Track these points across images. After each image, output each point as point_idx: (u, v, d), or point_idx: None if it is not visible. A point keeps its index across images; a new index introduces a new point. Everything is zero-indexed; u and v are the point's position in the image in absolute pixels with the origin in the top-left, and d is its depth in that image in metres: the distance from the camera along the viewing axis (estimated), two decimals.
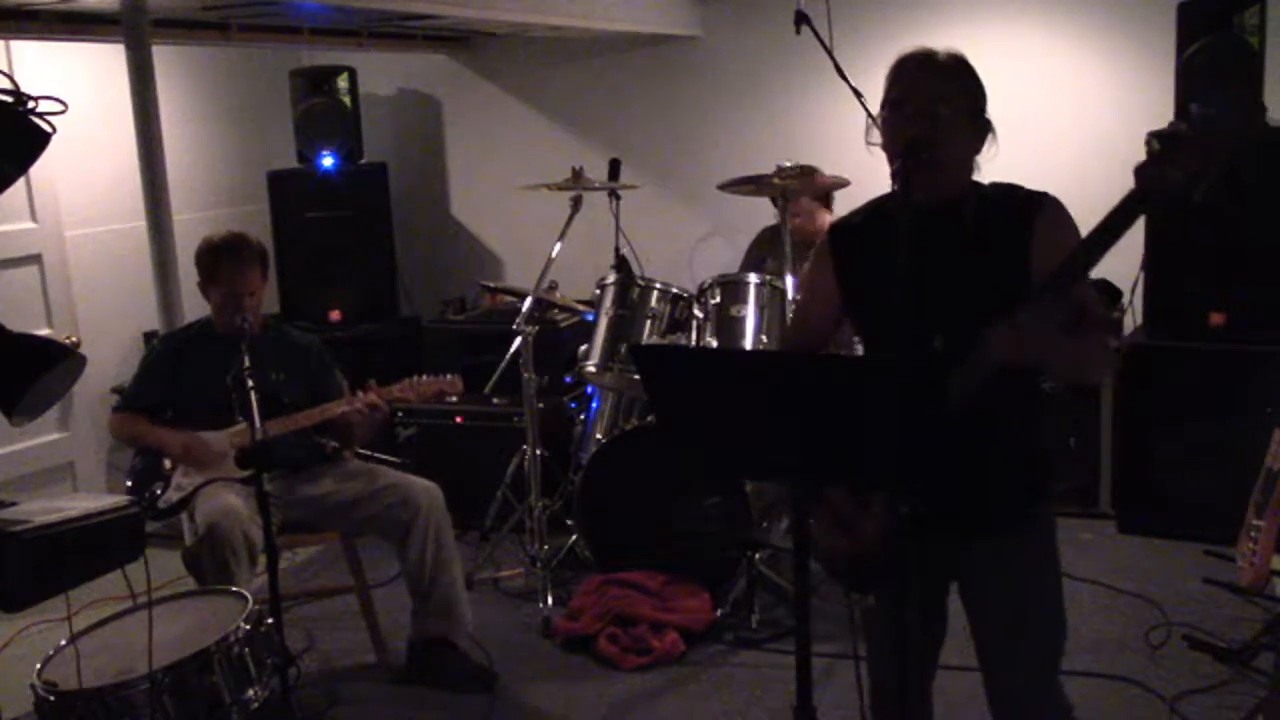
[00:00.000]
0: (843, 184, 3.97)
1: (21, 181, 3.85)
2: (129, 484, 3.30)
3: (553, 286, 4.65)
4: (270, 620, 2.48)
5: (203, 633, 2.36)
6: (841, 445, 1.67)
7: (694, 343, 3.81)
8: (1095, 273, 1.79)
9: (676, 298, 3.94)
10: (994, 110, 1.94)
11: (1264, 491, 3.26)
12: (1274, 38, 3.92)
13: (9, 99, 1.65)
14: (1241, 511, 3.36)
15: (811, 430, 1.66)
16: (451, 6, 3.97)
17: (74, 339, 4.37)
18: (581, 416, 4.42)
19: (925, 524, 1.71)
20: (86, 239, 4.64)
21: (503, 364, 4.57)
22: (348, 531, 3.39)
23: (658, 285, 3.95)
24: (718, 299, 3.80)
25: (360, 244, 5.23)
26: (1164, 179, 1.62)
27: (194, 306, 3.56)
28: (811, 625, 1.83)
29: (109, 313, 4.68)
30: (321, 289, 5.19)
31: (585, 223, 3.97)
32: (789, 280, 3.81)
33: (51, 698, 2.18)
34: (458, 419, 4.54)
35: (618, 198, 4.58)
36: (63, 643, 2.34)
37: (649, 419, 3.86)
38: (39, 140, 1.69)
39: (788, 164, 3.87)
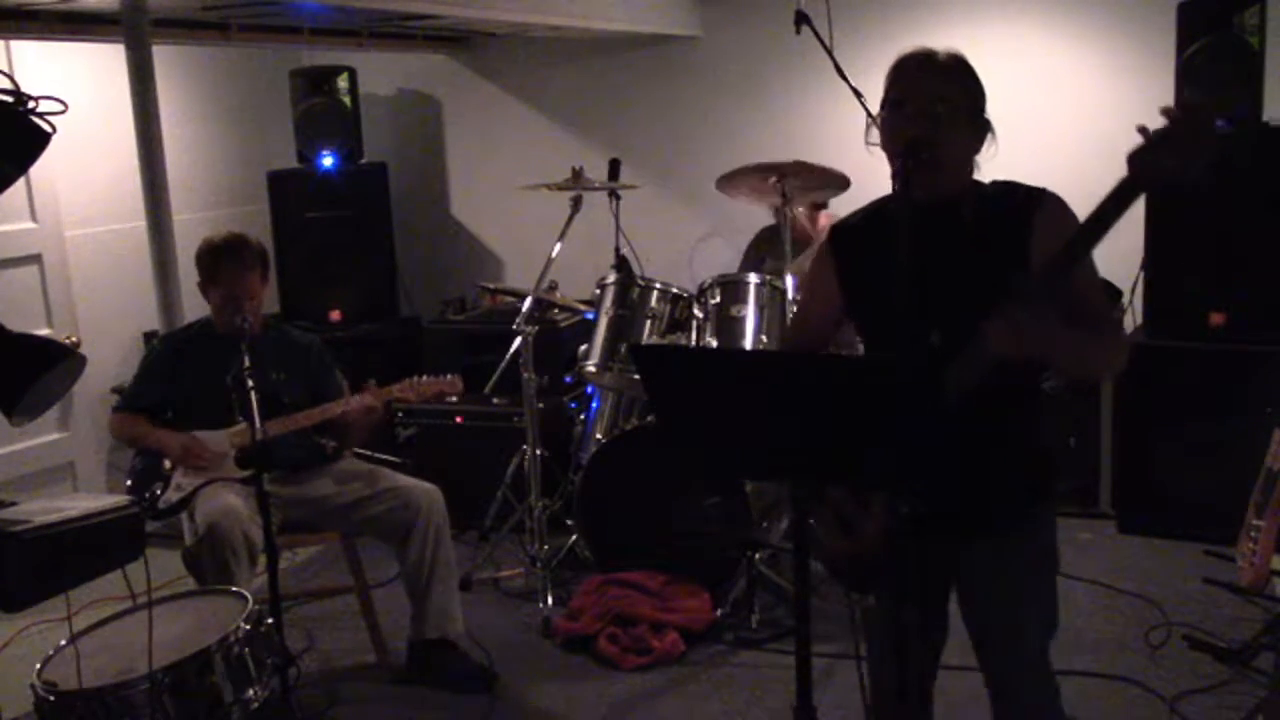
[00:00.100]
0: (840, 180, 3.97)
1: (21, 181, 3.85)
2: (129, 484, 3.31)
3: (553, 286, 4.65)
4: (270, 620, 2.48)
5: (203, 633, 2.36)
6: (841, 445, 1.67)
7: (694, 343, 3.81)
8: None
9: (676, 298, 3.94)
10: (993, 110, 1.94)
11: (1264, 491, 3.26)
12: (1274, 38, 3.92)
13: (9, 99, 1.65)
14: (1241, 511, 3.36)
15: (811, 430, 1.66)
16: (451, 6, 3.97)
17: (74, 339, 4.37)
18: (581, 416, 4.42)
19: (925, 524, 1.71)
20: (86, 239, 4.64)
21: (503, 364, 4.57)
22: (348, 532, 3.39)
23: (658, 285, 3.95)
24: (718, 299, 3.80)
25: (360, 244, 5.23)
26: (1156, 164, 1.62)
27: (194, 306, 3.56)
28: (811, 625, 1.83)
29: (109, 313, 4.68)
30: (321, 289, 5.19)
31: (585, 223, 3.97)
32: (789, 280, 3.81)
33: (51, 698, 2.18)
34: (458, 419, 4.53)
35: (618, 198, 4.58)
36: (63, 643, 2.34)
37: (649, 419, 3.86)
38: (39, 140, 1.69)
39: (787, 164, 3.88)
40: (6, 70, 1.72)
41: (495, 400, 4.57)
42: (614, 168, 4.48)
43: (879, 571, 1.92)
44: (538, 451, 3.82)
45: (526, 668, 3.42)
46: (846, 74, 3.57)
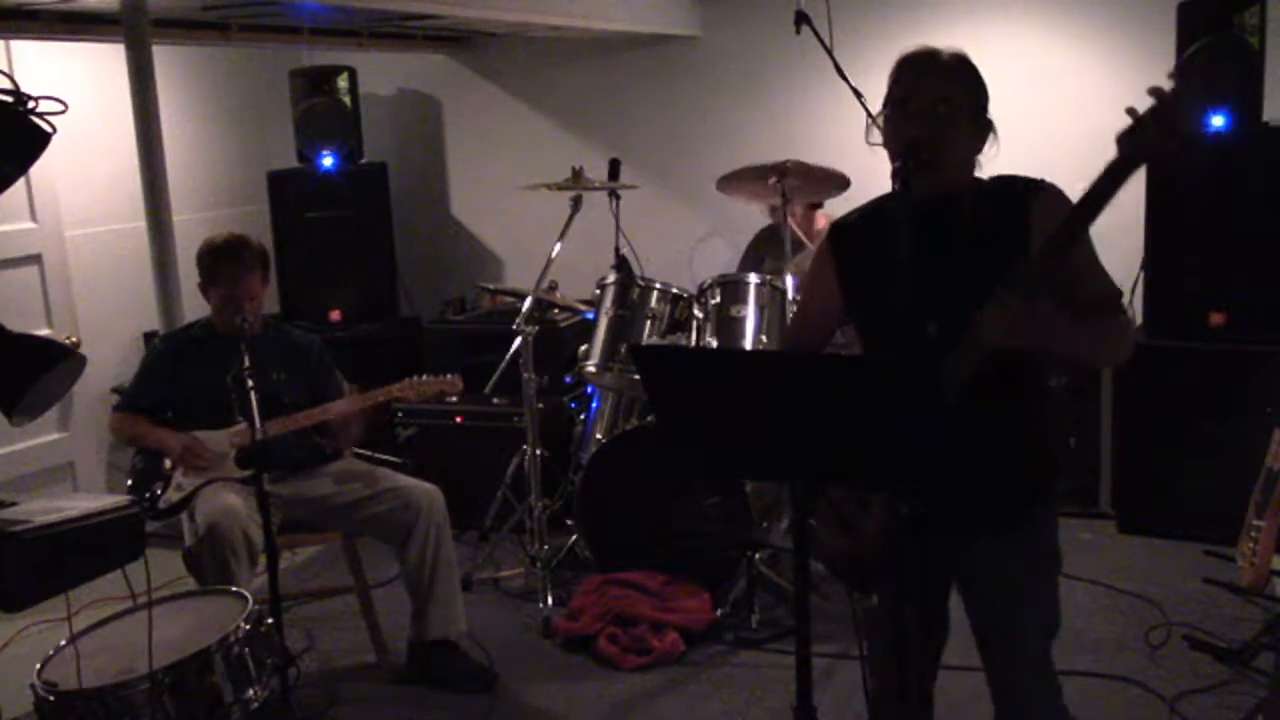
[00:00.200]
0: (840, 180, 3.97)
1: (21, 181, 3.84)
2: (129, 484, 3.31)
3: (553, 286, 4.65)
4: (270, 620, 2.48)
5: (203, 633, 2.36)
6: (841, 445, 1.67)
7: (694, 343, 3.81)
8: None
9: (676, 298, 3.94)
10: (994, 110, 1.94)
11: (1264, 491, 3.26)
12: (1274, 38, 3.92)
13: (9, 99, 1.65)
14: (1241, 511, 3.36)
15: (811, 430, 1.66)
16: (451, 6, 3.97)
17: (74, 339, 4.37)
18: (581, 416, 4.42)
19: (926, 523, 1.71)
20: (86, 239, 4.64)
21: (503, 364, 4.57)
22: (348, 532, 3.39)
23: (658, 285, 3.95)
24: (718, 299, 3.80)
25: (360, 244, 5.23)
26: (1144, 143, 1.65)
27: (194, 306, 3.55)
28: (811, 625, 1.84)
29: (109, 313, 4.68)
30: (321, 289, 5.19)
31: (585, 223, 3.97)
32: (789, 280, 3.81)
33: (51, 698, 2.18)
34: (458, 419, 4.53)
35: (618, 198, 4.58)
36: (63, 643, 2.34)
37: (649, 419, 3.86)
38: (39, 140, 1.69)
39: (786, 163, 3.88)
40: (6, 70, 1.72)
41: (495, 400, 4.57)
42: (614, 168, 4.47)
43: (879, 571, 1.92)
44: (538, 451, 3.82)
45: (526, 668, 3.42)
46: (846, 74, 3.57)
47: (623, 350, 3.82)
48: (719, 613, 3.58)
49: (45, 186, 4.41)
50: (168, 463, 3.26)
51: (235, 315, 3.16)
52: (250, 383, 2.75)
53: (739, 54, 5.15)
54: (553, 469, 4.24)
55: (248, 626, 2.38)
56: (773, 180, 3.94)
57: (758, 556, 3.63)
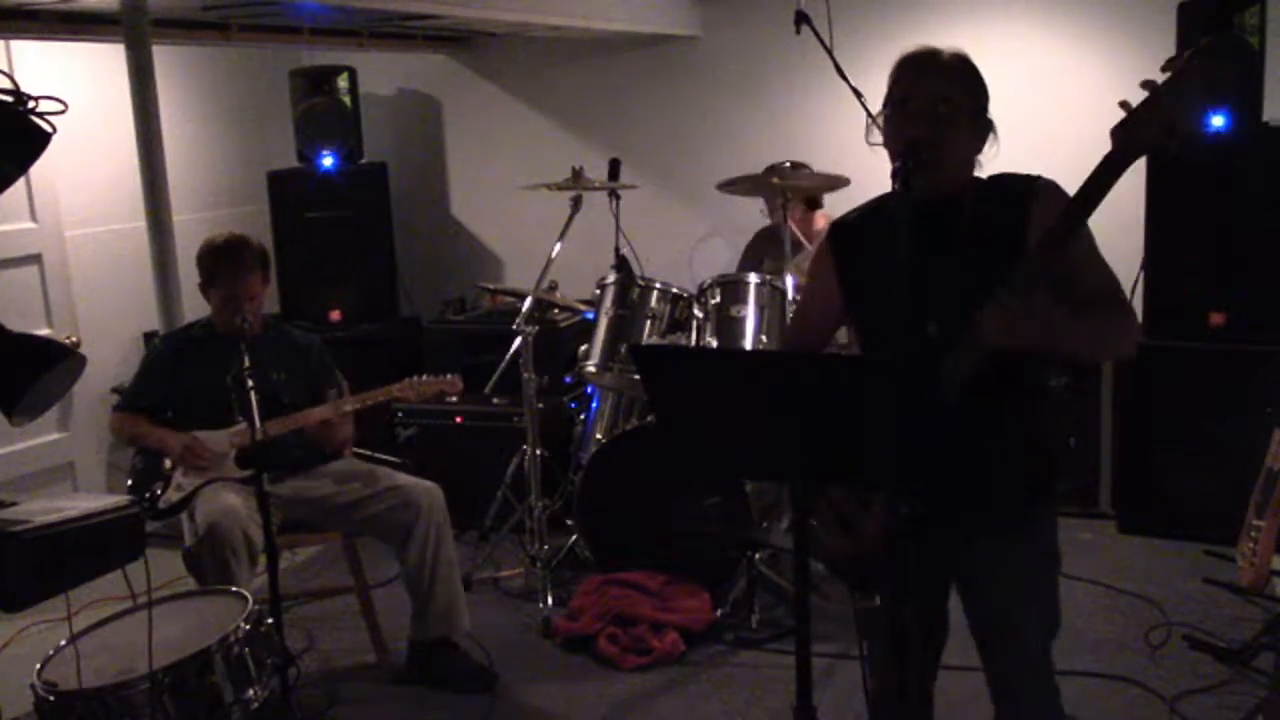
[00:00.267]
0: (841, 183, 3.97)
1: (21, 181, 3.84)
2: (129, 484, 3.31)
3: (553, 286, 4.65)
4: (270, 620, 2.48)
5: (203, 633, 2.36)
6: (841, 445, 1.67)
7: (694, 343, 3.81)
8: None
9: (676, 298, 3.94)
10: (994, 110, 1.94)
11: (1264, 491, 3.26)
12: (1274, 38, 3.92)
13: (9, 99, 1.65)
14: (1241, 511, 3.36)
15: (811, 430, 1.66)
16: (451, 6, 3.97)
17: (74, 339, 4.37)
18: (581, 416, 4.42)
19: (926, 523, 1.71)
20: (86, 239, 4.64)
21: (503, 364, 4.57)
22: (348, 531, 3.39)
23: (658, 285, 3.95)
24: (718, 299, 3.80)
25: (360, 244, 5.23)
26: (1138, 135, 1.66)
27: (194, 306, 3.56)
28: (811, 625, 1.83)
29: (109, 313, 4.68)
30: (321, 289, 5.19)
31: (585, 223, 3.97)
32: (789, 280, 3.81)
33: (51, 698, 2.18)
34: (458, 419, 4.53)
35: (618, 198, 4.58)
36: (63, 643, 2.34)
37: (649, 419, 3.86)
38: (39, 140, 1.69)
39: (785, 164, 3.87)
40: (6, 70, 1.72)
41: (495, 400, 4.57)
42: (614, 168, 4.48)
43: (879, 571, 1.92)
44: (538, 451, 3.82)
45: (526, 668, 3.42)
46: (846, 74, 3.57)
47: (623, 350, 3.82)
48: (719, 613, 3.58)
49: (45, 186, 4.41)
50: (168, 463, 3.27)
51: (235, 315, 3.16)
52: (250, 383, 2.75)
53: (739, 54, 5.15)
54: (553, 469, 4.24)
55: (248, 626, 2.38)
56: (774, 180, 3.94)
57: (758, 556, 3.63)
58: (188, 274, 3.46)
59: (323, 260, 5.14)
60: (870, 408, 1.61)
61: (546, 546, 3.80)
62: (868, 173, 2.45)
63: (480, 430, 4.49)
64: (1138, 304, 4.17)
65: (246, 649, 2.35)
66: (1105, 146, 1.71)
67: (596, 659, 3.43)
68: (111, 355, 4.66)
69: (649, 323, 3.89)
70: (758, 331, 3.74)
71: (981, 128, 1.92)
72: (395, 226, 5.40)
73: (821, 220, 4.59)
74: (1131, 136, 1.67)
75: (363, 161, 5.29)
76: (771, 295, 3.78)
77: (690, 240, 5.34)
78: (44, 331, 4.37)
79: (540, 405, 3.90)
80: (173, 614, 2.49)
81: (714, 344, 3.75)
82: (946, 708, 2.29)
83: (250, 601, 2.48)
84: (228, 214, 5.20)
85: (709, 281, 3.89)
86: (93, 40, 4.06)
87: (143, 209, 3.55)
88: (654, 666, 3.37)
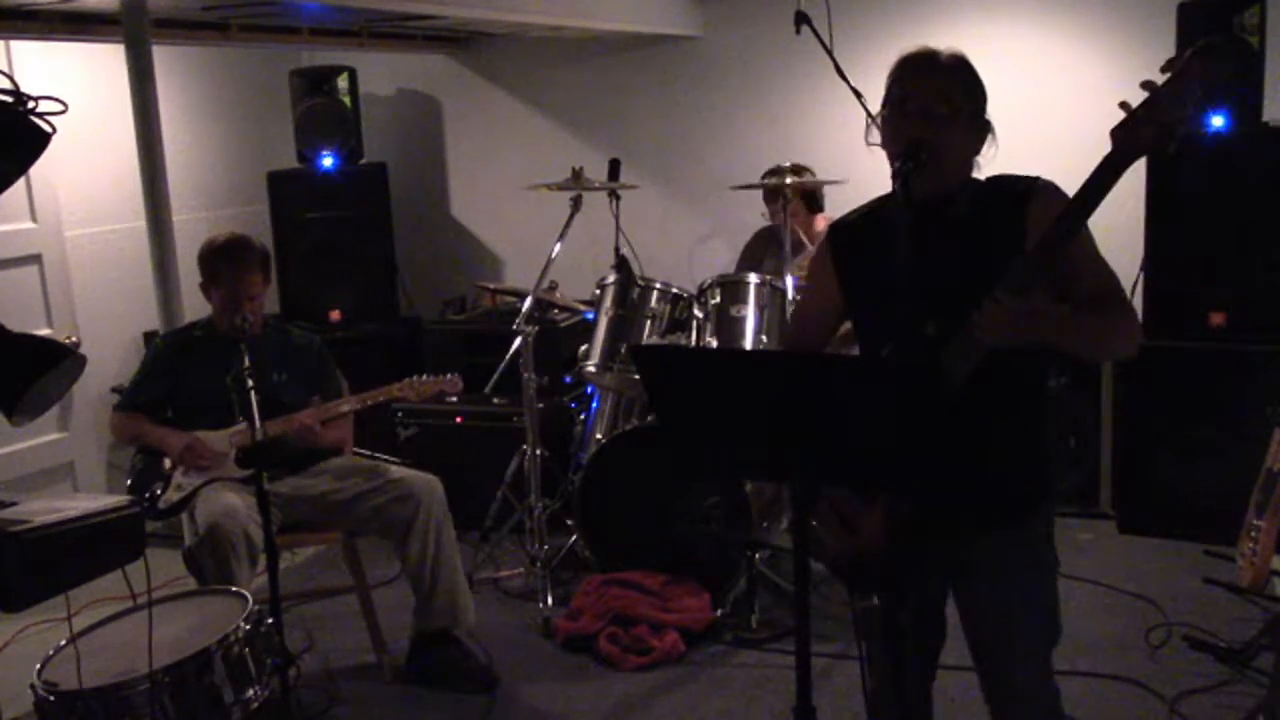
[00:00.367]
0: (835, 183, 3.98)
1: (21, 181, 3.85)
2: (129, 484, 3.31)
3: (553, 286, 4.65)
4: (270, 620, 2.48)
5: (203, 633, 2.36)
6: (841, 445, 1.67)
7: (694, 343, 3.81)
8: None
9: (676, 298, 3.94)
10: (993, 110, 1.94)
11: (1264, 491, 3.26)
12: (1274, 38, 3.92)
13: (9, 99, 1.65)
14: (1241, 511, 3.36)
15: (811, 430, 1.66)
16: (451, 6, 3.98)
17: (74, 339, 4.37)
18: (581, 416, 4.42)
19: (925, 523, 1.71)
20: (86, 239, 4.64)
21: (503, 364, 4.57)
22: (349, 529, 3.39)
23: (658, 285, 3.95)
24: (718, 299, 3.80)
25: (360, 244, 5.23)
26: (1137, 135, 1.67)
27: (194, 306, 3.56)
28: (811, 625, 1.83)
29: (109, 313, 4.68)
30: (321, 289, 5.19)
31: (585, 223, 3.97)
32: (789, 280, 3.81)
33: (51, 698, 2.18)
34: (458, 419, 4.53)
35: (618, 198, 4.58)
36: (63, 643, 2.34)
37: (649, 419, 3.86)
38: (39, 140, 1.69)
39: (785, 165, 3.88)
40: (6, 70, 1.72)
41: (495, 400, 4.57)
42: (614, 168, 4.48)
43: (879, 571, 1.92)
44: (538, 451, 3.82)
45: (526, 668, 3.42)
46: (846, 74, 3.57)
47: (623, 350, 3.82)
48: (719, 613, 3.58)
49: (45, 186, 4.40)
50: (168, 462, 3.27)
51: (236, 315, 3.17)
52: (250, 383, 2.75)
53: (739, 54, 5.15)
54: (553, 469, 4.24)
55: (248, 626, 2.38)
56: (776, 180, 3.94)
57: (758, 556, 3.63)
58: (188, 274, 3.46)
59: (323, 260, 5.14)
60: (870, 408, 1.61)
61: (546, 546, 3.80)
62: (868, 173, 2.45)
63: (480, 430, 4.49)
64: (1138, 304, 4.17)
65: (246, 649, 2.36)
66: (1105, 146, 1.71)
67: (596, 659, 3.43)
68: (111, 355, 4.66)
69: (649, 323, 3.89)
70: (758, 331, 3.74)
71: (980, 128, 1.92)
72: (395, 226, 5.40)
73: (821, 222, 4.59)
74: (1131, 137, 1.67)
75: (362, 161, 5.29)
76: (771, 295, 3.78)
77: (690, 240, 5.34)
78: (44, 331, 4.37)
79: (540, 405, 3.90)
80: (173, 614, 2.49)
81: (714, 344, 3.75)
82: (946, 708, 2.30)
83: (250, 601, 2.48)
84: (228, 214, 5.20)
85: (709, 281, 3.89)
86: (93, 40, 4.06)
87: (143, 209, 3.55)
88: (654, 666, 3.37)
